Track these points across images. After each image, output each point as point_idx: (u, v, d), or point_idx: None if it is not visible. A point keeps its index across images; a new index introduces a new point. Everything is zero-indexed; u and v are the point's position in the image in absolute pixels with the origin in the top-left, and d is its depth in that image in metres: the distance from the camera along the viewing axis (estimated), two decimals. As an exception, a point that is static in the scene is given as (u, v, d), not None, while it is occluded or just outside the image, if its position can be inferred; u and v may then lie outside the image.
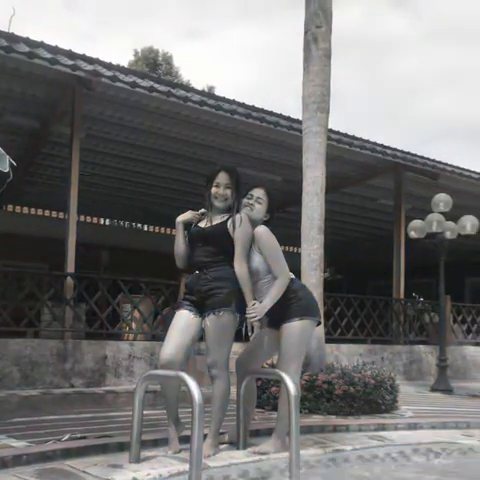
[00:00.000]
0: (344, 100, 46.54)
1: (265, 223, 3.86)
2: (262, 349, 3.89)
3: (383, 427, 4.94)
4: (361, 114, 50.31)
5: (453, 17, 52.26)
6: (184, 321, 3.67)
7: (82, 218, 13.67)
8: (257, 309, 3.62)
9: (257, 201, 3.85)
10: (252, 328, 3.64)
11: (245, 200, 3.84)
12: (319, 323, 4.04)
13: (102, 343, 7.24)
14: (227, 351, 3.68)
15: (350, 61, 48.83)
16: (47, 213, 14.04)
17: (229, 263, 3.68)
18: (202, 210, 3.87)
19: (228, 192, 3.76)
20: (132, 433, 3.38)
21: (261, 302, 3.68)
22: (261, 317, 3.65)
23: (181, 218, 3.86)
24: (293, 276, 3.90)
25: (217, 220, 3.76)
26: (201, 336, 3.72)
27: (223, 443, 3.84)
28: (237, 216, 3.72)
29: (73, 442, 3.73)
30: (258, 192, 3.87)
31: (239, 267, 3.66)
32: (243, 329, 3.68)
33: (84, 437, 3.90)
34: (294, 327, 3.75)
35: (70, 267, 7.40)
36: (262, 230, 3.77)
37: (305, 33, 6.52)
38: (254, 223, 3.79)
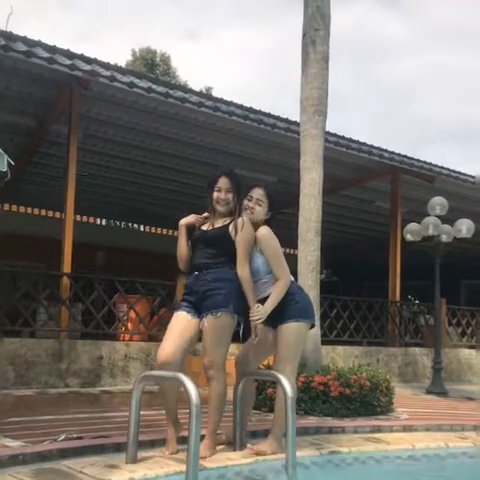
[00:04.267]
0: (341, 103, 46.61)
1: (267, 222, 3.88)
2: (260, 348, 3.90)
3: (379, 429, 4.96)
4: (358, 117, 50.42)
5: (450, 19, 52.50)
6: (182, 322, 3.68)
7: (79, 218, 13.64)
8: (261, 312, 3.65)
9: (257, 203, 3.87)
10: (255, 330, 3.66)
11: (245, 202, 3.86)
12: (313, 325, 4.08)
13: (98, 343, 7.23)
14: (224, 352, 3.69)
15: (346, 64, 48.95)
16: (44, 212, 13.99)
17: (229, 265, 3.70)
18: (206, 214, 3.89)
19: (229, 196, 3.79)
20: (129, 433, 3.38)
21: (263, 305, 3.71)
22: (264, 319, 3.68)
23: (184, 221, 3.88)
24: (292, 279, 3.93)
25: (219, 224, 3.79)
26: (200, 337, 3.72)
27: (220, 444, 3.84)
28: (239, 220, 3.74)
29: (70, 442, 3.72)
30: (257, 193, 3.89)
31: (241, 271, 3.67)
32: (240, 330, 3.69)
33: (80, 437, 3.89)
34: (290, 328, 3.79)
35: (66, 267, 7.39)
36: (264, 232, 3.80)
37: (303, 36, 6.54)
38: (256, 224, 3.81)
